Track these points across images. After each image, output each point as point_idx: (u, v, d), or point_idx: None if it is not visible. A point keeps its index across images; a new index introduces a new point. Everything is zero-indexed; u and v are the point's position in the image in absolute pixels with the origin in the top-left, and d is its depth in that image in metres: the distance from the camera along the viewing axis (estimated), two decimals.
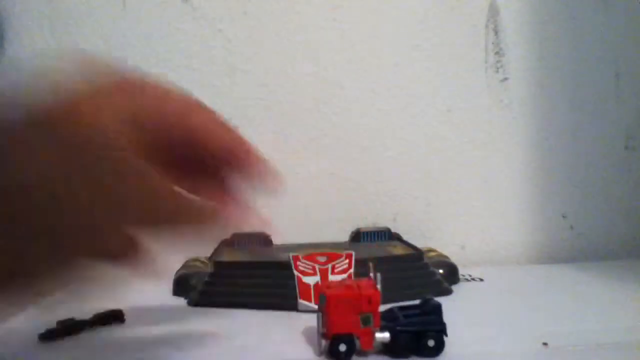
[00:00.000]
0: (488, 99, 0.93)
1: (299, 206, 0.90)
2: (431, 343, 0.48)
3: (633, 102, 0.95)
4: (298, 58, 0.89)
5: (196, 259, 0.79)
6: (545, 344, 0.51)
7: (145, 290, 0.76)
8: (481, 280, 0.78)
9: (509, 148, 0.94)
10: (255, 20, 0.88)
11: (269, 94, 0.89)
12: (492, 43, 0.92)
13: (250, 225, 0.46)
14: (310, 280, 0.65)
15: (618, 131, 0.95)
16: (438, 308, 0.49)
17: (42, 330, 0.55)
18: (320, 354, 0.49)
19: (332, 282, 0.56)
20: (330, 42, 0.90)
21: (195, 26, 0.87)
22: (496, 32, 0.92)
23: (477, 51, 0.92)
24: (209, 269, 0.72)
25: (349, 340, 0.48)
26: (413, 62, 0.91)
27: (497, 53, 0.92)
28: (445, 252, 0.81)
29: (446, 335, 0.49)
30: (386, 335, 0.48)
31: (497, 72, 0.92)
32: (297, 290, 0.64)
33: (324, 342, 0.48)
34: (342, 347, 0.48)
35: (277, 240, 0.85)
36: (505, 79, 0.93)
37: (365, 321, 0.48)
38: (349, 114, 0.91)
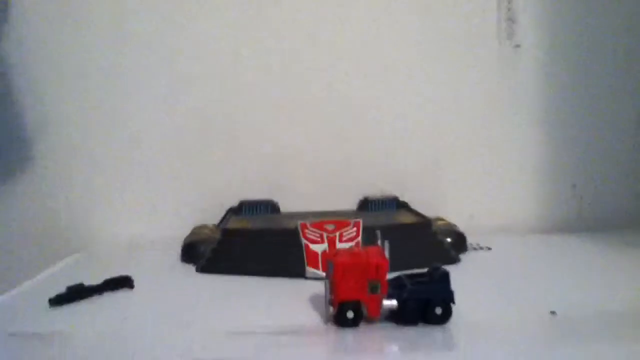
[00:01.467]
0: (499, 66, 0.91)
1: (308, 174, 0.90)
2: (438, 311, 0.48)
3: None
4: (310, 32, 0.88)
5: (204, 226, 0.80)
6: (553, 312, 0.51)
7: (154, 256, 0.77)
8: (489, 249, 0.77)
9: (520, 117, 0.92)
10: None
11: (278, 64, 0.88)
12: (505, 10, 0.90)
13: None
14: (318, 248, 0.65)
15: (631, 102, 0.94)
16: (446, 276, 0.49)
17: (52, 296, 0.56)
18: (327, 320, 0.49)
19: (339, 249, 0.56)
20: (340, 9, 0.88)
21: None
22: None
23: (489, 17, 0.90)
24: (217, 236, 0.72)
25: (356, 307, 0.48)
26: (424, 28, 0.89)
27: (509, 20, 0.90)
28: (453, 221, 0.80)
29: (454, 303, 0.48)
30: (394, 302, 0.48)
31: (510, 39, 0.91)
32: (305, 258, 0.64)
33: (331, 309, 0.49)
34: (350, 314, 0.48)
35: (285, 208, 0.85)
36: (517, 46, 0.91)
37: (373, 288, 0.48)
38: (358, 83, 0.89)
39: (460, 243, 0.76)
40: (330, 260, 0.49)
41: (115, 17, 0.86)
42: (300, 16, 0.88)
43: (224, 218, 0.82)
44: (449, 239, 0.74)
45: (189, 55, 0.87)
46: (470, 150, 0.92)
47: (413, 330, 0.48)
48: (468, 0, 0.90)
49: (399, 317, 0.49)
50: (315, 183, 0.90)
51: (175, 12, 0.86)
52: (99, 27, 0.86)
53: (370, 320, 0.49)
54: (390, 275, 0.49)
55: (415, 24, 0.89)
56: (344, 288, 0.48)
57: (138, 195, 0.89)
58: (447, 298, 0.49)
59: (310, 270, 0.64)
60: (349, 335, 0.47)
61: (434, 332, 0.47)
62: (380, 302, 0.48)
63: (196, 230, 0.79)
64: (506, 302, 0.55)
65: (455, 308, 0.48)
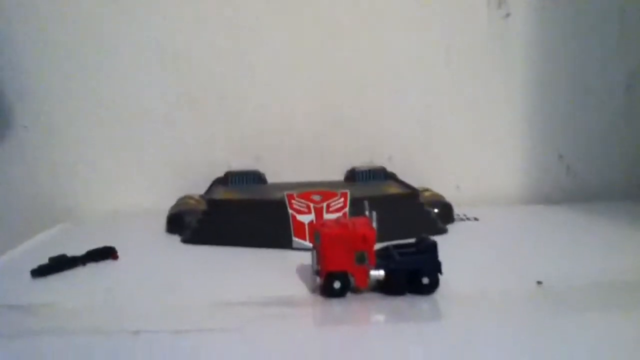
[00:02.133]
0: (489, 35, 0.90)
1: (294, 145, 0.89)
2: (425, 281, 0.48)
3: (636, 43, 0.92)
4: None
5: (190, 197, 0.79)
6: (539, 282, 0.51)
7: (139, 227, 0.76)
8: (476, 219, 0.77)
9: (507, 87, 0.92)
10: None
11: (264, 30, 0.86)
12: None
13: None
14: (305, 218, 0.64)
15: (619, 72, 0.93)
16: (433, 246, 0.49)
17: (34, 267, 0.55)
18: (314, 290, 0.49)
19: (326, 220, 0.56)
20: None
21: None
22: None
23: None
24: (203, 206, 0.72)
25: (343, 277, 0.48)
26: None
27: None
28: (440, 192, 0.80)
29: (441, 274, 0.48)
30: (381, 272, 0.48)
31: (500, 7, 0.89)
32: (292, 229, 0.64)
33: (318, 280, 0.48)
34: (337, 284, 0.48)
35: (271, 178, 0.85)
36: (508, 14, 0.90)
37: (360, 259, 0.47)
38: (347, 53, 0.88)
39: (447, 213, 0.76)
40: (317, 231, 0.49)
41: None
42: None
43: (209, 189, 0.81)
44: (436, 210, 0.74)
45: (177, 29, 0.85)
46: (457, 121, 0.92)
47: (400, 300, 0.48)
48: None
49: (386, 288, 0.49)
50: (302, 154, 0.89)
51: None
52: None
53: (357, 291, 0.49)
54: (377, 246, 0.49)
55: None
56: (331, 258, 0.47)
57: (123, 165, 0.87)
58: (434, 268, 0.48)
59: (296, 240, 0.63)
60: (336, 305, 0.47)
61: (421, 303, 0.48)
62: (368, 272, 0.48)
63: (181, 201, 0.78)
64: (493, 273, 0.55)
65: (442, 278, 0.48)
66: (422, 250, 0.50)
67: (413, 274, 0.48)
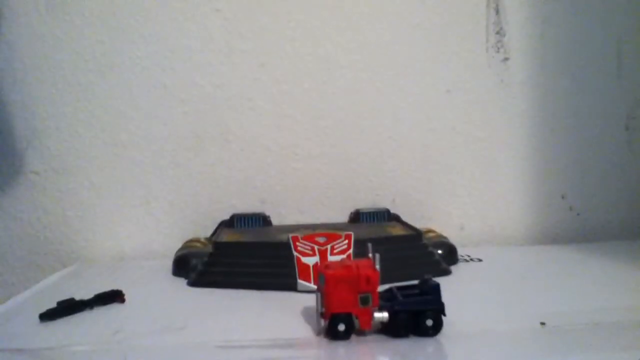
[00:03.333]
0: (488, 79, 0.92)
1: (299, 187, 0.90)
2: (429, 322, 0.48)
3: (634, 83, 0.94)
4: (297, 37, 0.88)
5: (196, 240, 0.80)
6: (543, 323, 0.51)
7: (145, 270, 0.77)
8: (480, 260, 0.78)
9: (509, 129, 0.93)
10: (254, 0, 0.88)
11: (268, 73, 0.89)
12: (493, 23, 0.91)
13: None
14: (310, 260, 0.65)
15: (619, 112, 0.95)
16: (436, 288, 0.50)
17: (43, 310, 0.55)
18: (318, 333, 0.49)
19: (331, 262, 0.57)
20: (330, 22, 0.89)
21: (193, 5, 0.87)
22: (497, 12, 0.91)
23: (478, 31, 0.91)
24: (209, 249, 0.72)
25: (347, 319, 0.48)
26: (413, 41, 0.90)
27: (498, 33, 0.91)
28: (444, 233, 0.81)
29: (444, 315, 0.49)
30: (385, 314, 0.48)
31: (498, 51, 0.92)
32: (297, 271, 0.65)
33: (322, 322, 0.49)
34: (341, 327, 0.48)
35: (276, 221, 0.86)
36: (506, 59, 0.92)
37: (364, 301, 0.48)
38: (349, 94, 0.90)
39: (451, 255, 0.76)
40: (321, 273, 0.49)
41: (108, 22, 0.86)
42: (300, 33, 0.89)
43: (215, 231, 0.82)
44: (440, 251, 0.75)
45: (183, 72, 0.87)
46: (461, 162, 0.93)
47: (404, 343, 0.48)
48: (457, 14, 0.90)
49: (390, 330, 0.49)
50: (307, 197, 0.90)
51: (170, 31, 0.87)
52: (91, 34, 0.86)
53: (361, 333, 0.49)
54: (381, 288, 0.49)
55: (406, 37, 0.90)
56: (336, 300, 0.48)
57: (130, 209, 0.88)
58: (438, 310, 0.49)
59: (301, 283, 0.64)
60: (340, 348, 0.47)
61: (426, 344, 0.48)
62: (372, 314, 0.48)
63: (188, 244, 0.79)
64: (496, 314, 0.55)
65: (446, 320, 0.49)
66: (425, 292, 0.50)
67: (417, 315, 0.49)
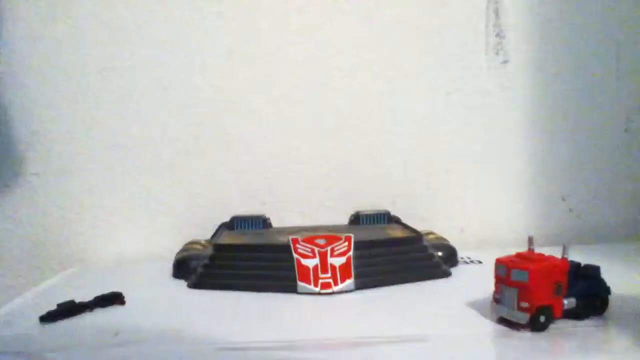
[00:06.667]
0: (488, 81, 0.92)
1: (299, 189, 0.90)
2: (598, 303, 0.52)
3: (633, 85, 0.94)
4: (297, 40, 0.89)
5: (196, 242, 0.80)
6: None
7: (145, 272, 0.77)
8: (480, 262, 0.78)
9: (509, 131, 0.93)
10: (254, 3, 0.88)
11: (267, 76, 0.89)
12: (493, 25, 0.91)
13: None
14: (310, 262, 0.65)
15: (618, 114, 0.95)
16: (598, 271, 0.53)
17: (43, 313, 0.55)
18: (521, 327, 0.50)
19: (513, 257, 0.53)
20: (330, 25, 0.89)
21: (193, 7, 0.87)
22: (497, 14, 0.91)
23: (477, 33, 0.91)
24: (209, 251, 0.72)
25: (548, 311, 0.49)
26: (413, 44, 0.90)
27: (497, 35, 0.92)
28: (444, 235, 0.81)
29: (610, 294, 0.52)
30: (572, 300, 0.50)
31: (498, 54, 0.92)
32: (297, 273, 0.65)
33: (522, 315, 0.49)
34: (542, 318, 0.49)
35: (276, 223, 0.86)
36: (506, 61, 0.92)
37: (559, 290, 0.49)
38: (349, 97, 0.90)
39: (451, 257, 0.76)
40: (517, 269, 0.50)
41: (108, 25, 0.86)
42: (300, 36, 0.89)
43: (215, 233, 0.82)
44: (439, 253, 0.74)
45: (183, 77, 0.88)
46: (461, 164, 0.93)
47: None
48: (457, 17, 0.91)
49: (574, 314, 0.51)
50: (307, 199, 0.90)
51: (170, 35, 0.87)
52: (91, 37, 0.86)
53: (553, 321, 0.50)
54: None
55: (405, 40, 0.90)
56: (539, 293, 0.49)
57: (130, 211, 0.89)
58: (606, 291, 0.52)
59: (301, 285, 0.64)
60: (542, 340, 0.48)
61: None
62: (563, 302, 0.50)
63: (188, 246, 0.79)
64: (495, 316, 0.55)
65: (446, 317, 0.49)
66: (591, 276, 0.52)
67: (591, 298, 0.51)
